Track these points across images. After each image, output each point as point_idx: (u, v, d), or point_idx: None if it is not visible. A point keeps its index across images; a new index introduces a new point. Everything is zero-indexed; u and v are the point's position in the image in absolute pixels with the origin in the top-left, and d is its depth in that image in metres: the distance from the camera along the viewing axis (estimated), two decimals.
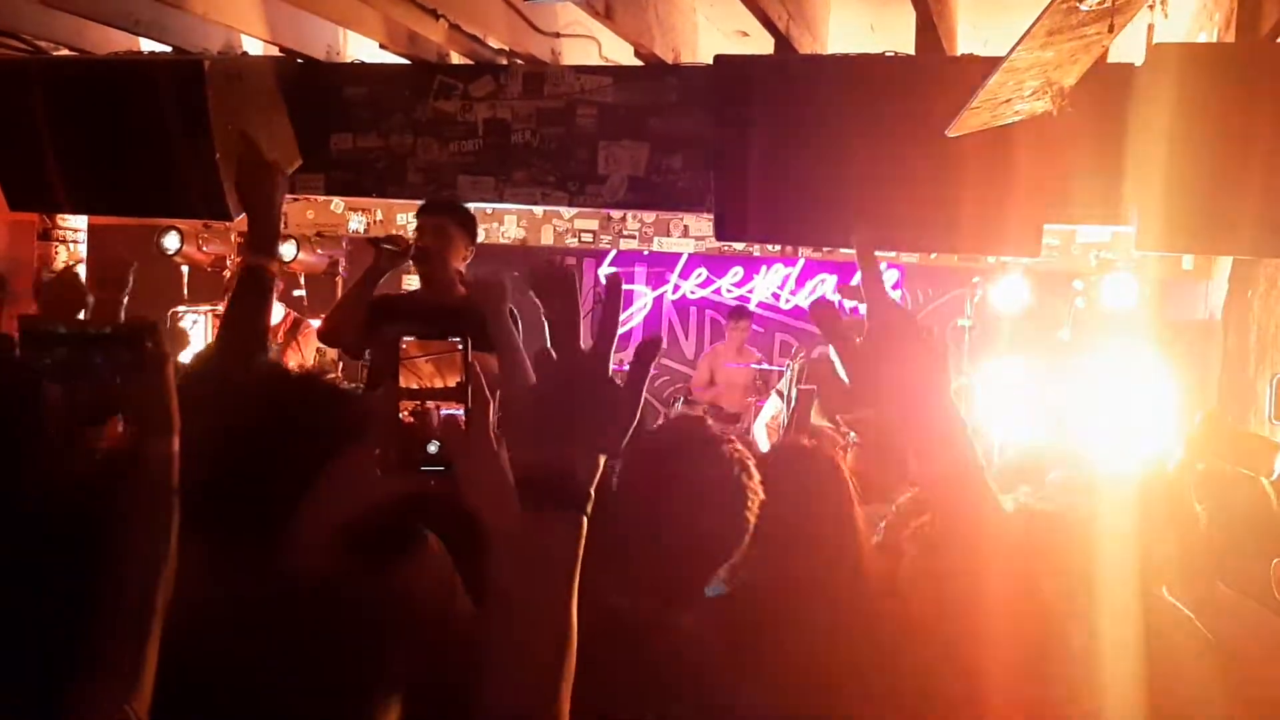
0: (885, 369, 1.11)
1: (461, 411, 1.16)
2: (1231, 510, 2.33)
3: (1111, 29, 1.79)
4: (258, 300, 2.09)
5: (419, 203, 4.06)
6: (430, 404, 1.17)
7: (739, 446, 1.64)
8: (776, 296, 8.96)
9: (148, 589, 1.45)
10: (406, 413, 1.18)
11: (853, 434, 3.44)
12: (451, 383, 1.16)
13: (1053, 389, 6.15)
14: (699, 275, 9.11)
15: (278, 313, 5.64)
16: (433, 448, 1.18)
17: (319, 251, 8.12)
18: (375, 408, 1.52)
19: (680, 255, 8.95)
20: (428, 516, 1.53)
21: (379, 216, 8.28)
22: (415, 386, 1.17)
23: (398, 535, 1.67)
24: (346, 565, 1.25)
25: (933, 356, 1.12)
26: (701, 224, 7.84)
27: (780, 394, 6.16)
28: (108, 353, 1.50)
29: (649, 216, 8.23)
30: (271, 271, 2.08)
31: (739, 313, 7.90)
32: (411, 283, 8.52)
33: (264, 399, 1.46)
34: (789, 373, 6.24)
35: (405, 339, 1.17)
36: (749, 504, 1.62)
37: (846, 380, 1.12)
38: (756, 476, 1.65)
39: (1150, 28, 3.33)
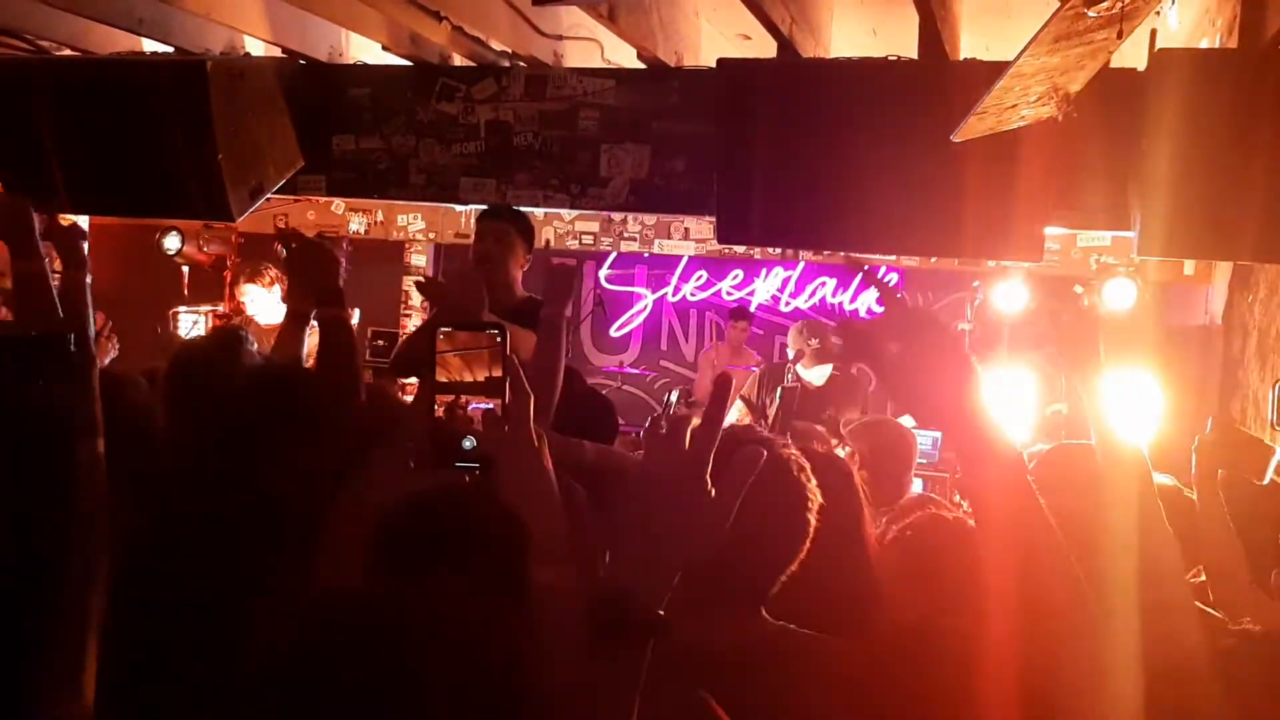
0: (922, 382, 1.12)
1: (494, 406, 1.12)
2: (1253, 516, 2.35)
3: (1120, 35, 1.79)
4: (347, 344, 2.30)
5: (420, 204, 4.06)
6: (463, 398, 1.13)
7: (794, 450, 1.62)
8: (776, 299, 8.96)
9: (84, 593, 1.44)
10: (441, 407, 1.13)
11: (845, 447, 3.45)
12: (480, 377, 1.12)
13: (1052, 393, 6.16)
14: (699, 278, 9.10)
15: (279, 312, 5.64)
16: (468, 443, 1.14)
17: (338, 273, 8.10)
18: (410, 403, 1.51)
19: (681, 258, 8.95)
20: (445, 516, 1.52)
21: (379, 217, 8.28)
22: (460, 380, 1.13)
23: (425, 553, 1.65)
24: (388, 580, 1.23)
25: (965, 368, 1.12)
26: (702, 226, 7.84)
27: (744, 399, 6.17)
28: (31, 358, 1.49)
29: (650, 219, 8.23)
30: (346, 319, 2.30)
31: (739, 313, 7.89)
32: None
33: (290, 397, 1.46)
34: (752, 381, 6.25)
35: (442, 329, 1.13)
36: (809, 506, 1.61)
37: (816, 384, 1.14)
38: (814, 480, 1.64)
39: (1154, 33, 3.34)
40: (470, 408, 1.13)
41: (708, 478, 1.01)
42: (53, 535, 1.41)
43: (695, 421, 1.02)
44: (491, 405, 1.12)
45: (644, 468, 1.03)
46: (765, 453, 1.06)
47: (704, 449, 1.02)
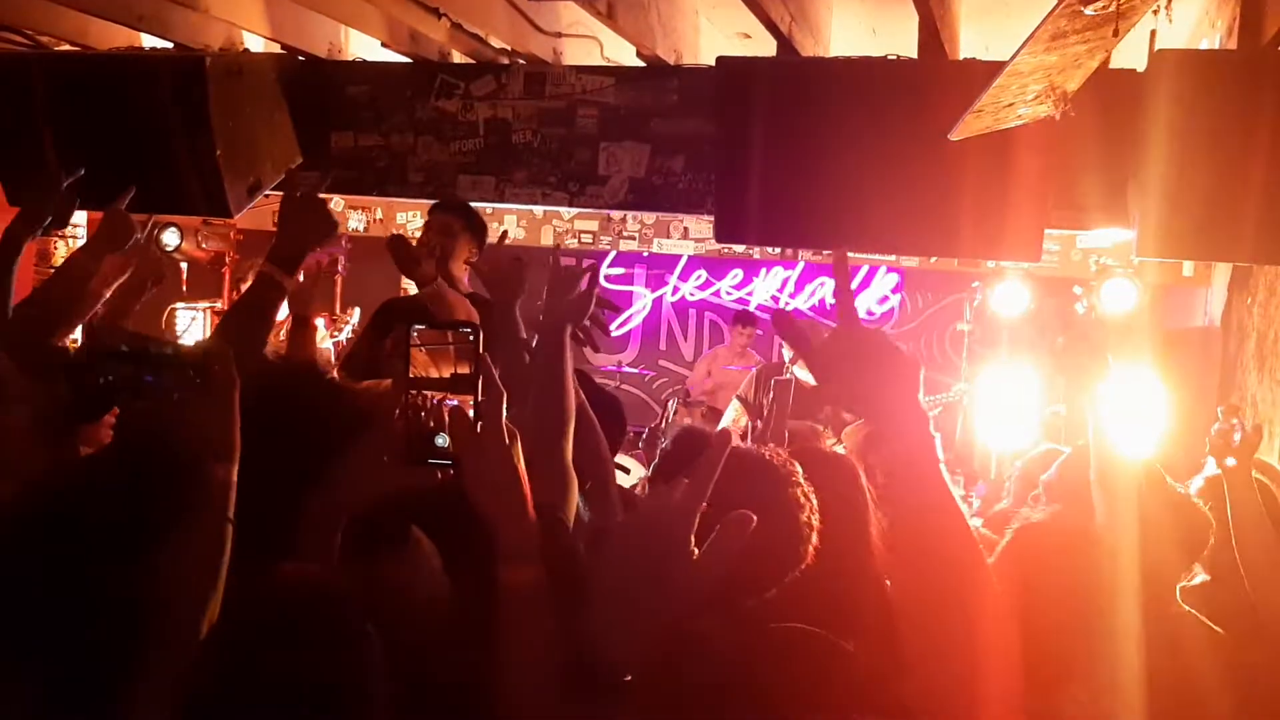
0: (847, 374, 1.13)
1: (465, 402, 1.13)
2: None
3: (1116, 33, 1.79)
4: (266, 309, 2.13)
5: (419, 201, 4.05)
6: (432, 395, 1.14)
7: (784, 456, 1.62)
8: (776, 299, 8.96)
9: (194, 618, 1.43)
10: (414, 405, 1.14)
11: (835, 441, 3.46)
12: (445, 374, 1.13)
13: (1052, 395, 6.16)
14: (698, 277, 9.11)
15: (280, 311, 5.62)
16: (440, 440, 1.14)
17: (319, 249, 8.09)
18: (382, 399, 1.50)
19: (680, 257, 8.95)
20: (418, 513, 1.52)
21: (379, 215, 8.28)
22: (433, 376, 1.14)
23: (389, 534, 1.66)
24: (343, 566, 1.23)
25: (901, 364, 1.14)
26: (701, 226, 7.85)
27: (741, 399, 6.17)
28: (171, 373, 1.47)
29: (649, 218, 8.24)
30: (285, 287, 2.10)
31: (745, 319, 7.86)
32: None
33: (265, 394, 1.46)
34: (749, 380, 6.26)
35: (416, 328, 1.14)
36: (804, 512, 1.61)
37: (812, 383, 1.16)
38: (806, 484, 1.63)
39: (1153, 34, 3.33)
40: (445, 404, 1.13)
41: (692, 538, 0.99)
42: (167, 556, 1.40)
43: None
44: (457, 402, 1.12)
45: (628, 523, 1.02)
46: (754, 518, 1.03)
47: (690, 509, 0.99)
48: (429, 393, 1.14)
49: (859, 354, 1.13)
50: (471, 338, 1.13)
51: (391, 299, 3.73)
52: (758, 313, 8.72)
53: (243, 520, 1.38)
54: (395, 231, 3.45)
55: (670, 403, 7.70)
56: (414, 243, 3.46)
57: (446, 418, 1.13)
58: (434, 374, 1.13)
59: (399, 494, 1.22)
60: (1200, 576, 2.32)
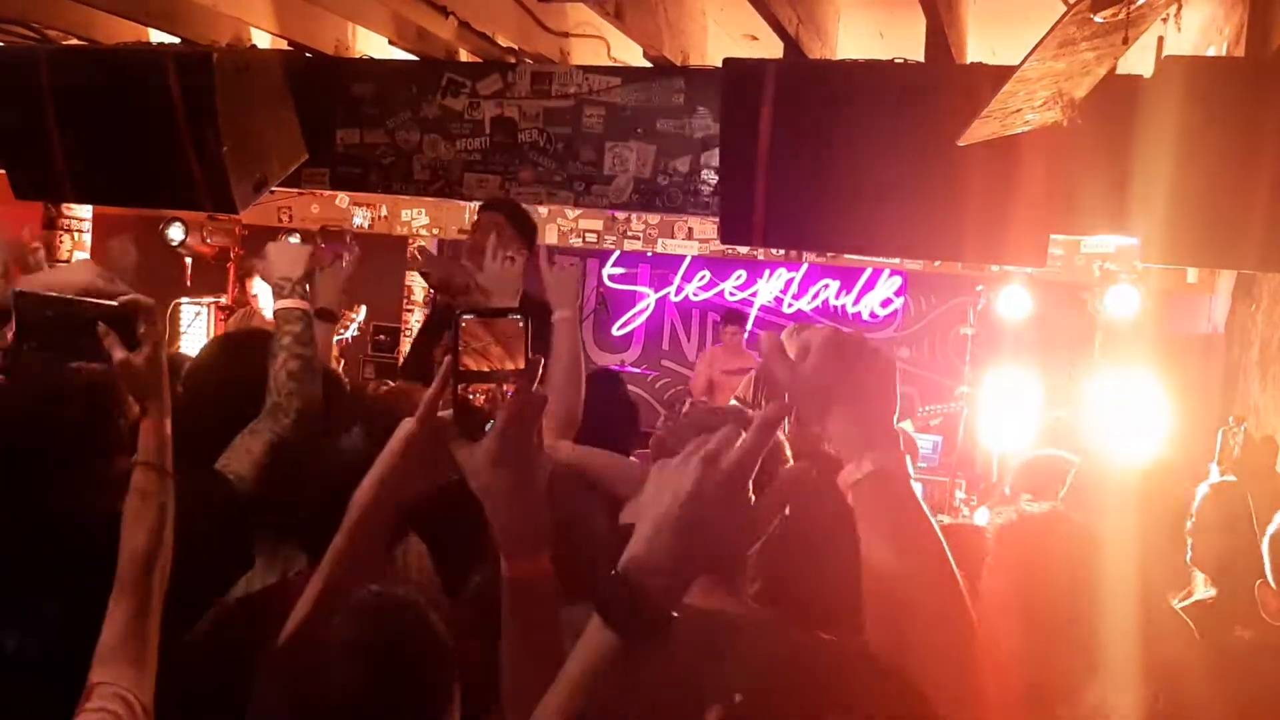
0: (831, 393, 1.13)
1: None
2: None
3: (1126, 41, 1.79)
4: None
5: (424, 199, 4.07)
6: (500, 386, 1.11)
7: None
8: (779, 300, 8.96)
9: (146, 573, 1.46)
10: (481, 396, 1.11)
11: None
12: (502, 363, 1.10)
13: (1055, 399, 6.16)
14: (702, 278, 9.11)
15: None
16: (490, 427, 1.11)
17: (323, 245, 8.10)
18: (399, 397, 1.50)
19: (684, 257, 8.95)
20: (415, 511, 1.53)
21: (384, 212, 8.28)
22: (483, 369, 1.11)
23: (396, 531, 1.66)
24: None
25: (878, 371, 1.15)
26: (705, 226, 7.84)
27: (739, 399, 6.15)
28: (100, 330, 1.49)
29: (653, 218, 8.22)
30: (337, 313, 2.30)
31: (731, 318, 7.90)
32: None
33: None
34: (747, 382, 6.24)
35: (465, 317, 1.11)
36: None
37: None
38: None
39: (1160, 40, 3.33)
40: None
41: (750, 485, 0.98)
42: (114, 517, 1.43)
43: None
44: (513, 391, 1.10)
45: (691, 469, 0.98)
46: (815, 472, 1.03)
47: (751, 458, 0.98)
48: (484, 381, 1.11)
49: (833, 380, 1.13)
50: (521, 325, 1.11)
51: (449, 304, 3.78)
52: (761, 314, 8.73)
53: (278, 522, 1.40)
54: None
55: (673, 404, 7.75)
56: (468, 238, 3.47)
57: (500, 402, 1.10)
58: (485, 363, 1.10)
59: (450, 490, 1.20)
60: (1202, 591, 2.31)
